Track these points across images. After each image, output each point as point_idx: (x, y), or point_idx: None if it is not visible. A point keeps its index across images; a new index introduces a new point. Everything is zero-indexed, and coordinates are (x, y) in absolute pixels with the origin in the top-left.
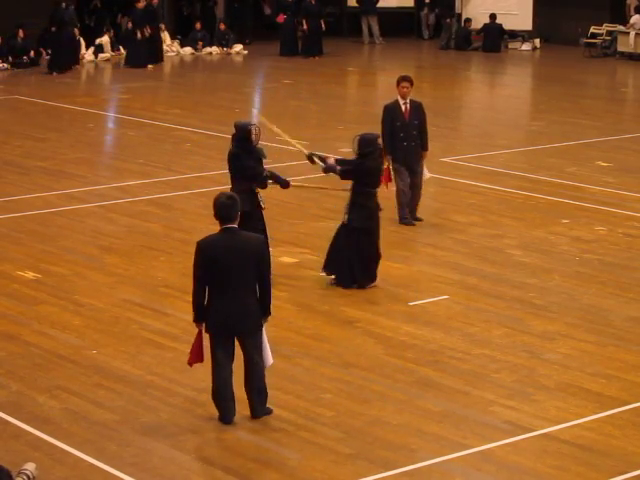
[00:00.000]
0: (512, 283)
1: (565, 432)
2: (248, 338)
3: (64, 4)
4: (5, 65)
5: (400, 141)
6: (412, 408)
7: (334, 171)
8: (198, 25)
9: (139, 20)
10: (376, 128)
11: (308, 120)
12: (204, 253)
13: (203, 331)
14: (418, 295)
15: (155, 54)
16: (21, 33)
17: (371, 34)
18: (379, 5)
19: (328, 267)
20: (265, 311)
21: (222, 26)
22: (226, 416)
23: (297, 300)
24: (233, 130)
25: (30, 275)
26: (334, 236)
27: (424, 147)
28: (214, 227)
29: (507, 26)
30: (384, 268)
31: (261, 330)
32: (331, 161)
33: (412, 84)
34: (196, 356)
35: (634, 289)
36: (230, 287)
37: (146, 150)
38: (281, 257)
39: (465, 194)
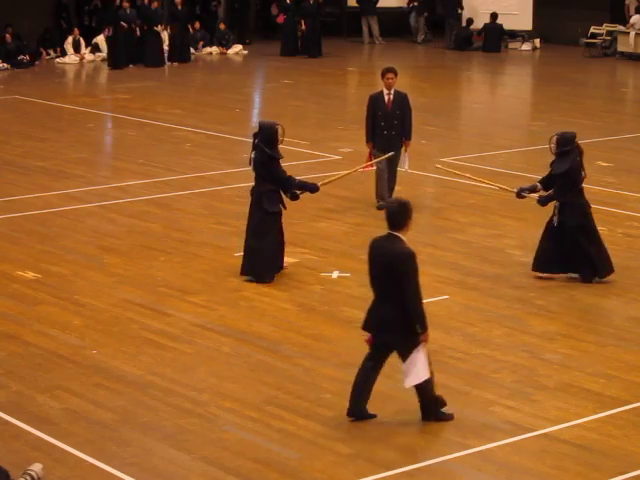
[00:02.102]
0: (512, 283)
1: (565, 432)
2: (396, 347)
3: (118, 1)
4: (5, 65)
5: (381, 130)
6: (412, 408)
7: (551, 199)
8: (197, 25)
9: (152, 19)
10: None
11: (308, 120)
12: (368, 249)
13: None
14: None
15: (183, 53)
16: (8, 36)
17: (371, 34)
18: (380, 5)
19: (541, 267)
20: (414, 326)
21: (222, 26)
22: (350, 411)
23: (297, 300)
24: (257, 129)
25: (30, 275)
26: (543, 236)
27: (407, 136)
28: (214, 227)
29: (507, 26)
30: None
31: (409, 342)
32: (539, 187)
33: (396, 75)
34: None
35: (634, 289)
36: (375, 289)
37: (146, 150)
38: None
39: (465, 194)
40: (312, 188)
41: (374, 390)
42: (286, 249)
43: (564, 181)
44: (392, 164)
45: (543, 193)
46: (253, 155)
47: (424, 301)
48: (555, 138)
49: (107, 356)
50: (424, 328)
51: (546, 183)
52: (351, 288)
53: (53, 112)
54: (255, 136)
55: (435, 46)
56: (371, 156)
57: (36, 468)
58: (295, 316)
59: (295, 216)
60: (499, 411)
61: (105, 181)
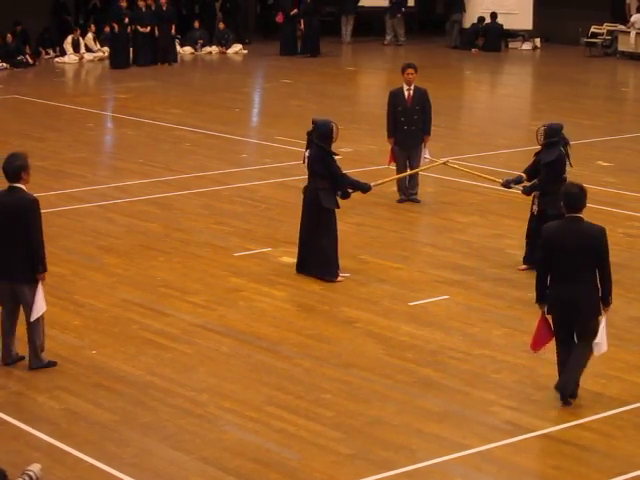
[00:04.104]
0: (512, 283)
1: (565, 432)
2: (581, 324)
3: (123, 3)
4: (5, 65)
5: (402, 125)
6: (412, 408)
7: (535, 188)
8: (197, 24)
9: (142, 19)
10: (375, 128)
11: (308, 120)
12: (547, 238)
13: (545, 312)
14: (418, 295)
15: (168, 54)
16: (9, 35)
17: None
18: (372, 4)
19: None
20: (605, 299)
21: (221, 25)
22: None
23: (297, 300)
24: (311, 127)
25: None
26: (529, 228)
27: (426, 131)
28: (213, 227)
29: (507, 25)
30: (384, 268)
31: (597, 318)
32: (524, 177)
33: (416, 71)
34: (542, 339)
35: (635, 289)
36: (569, 272)
37: (145, 150)
38: (281, 257)
39: (465, 194)
40: (364, 187)
41: (373, 389)
42: (286, 249)
43: (549, 171)
44: (413, 161)
45: (527, 183)
46: (308, 153)
47: (424, 301)
48: (542, 129)
49: (107, 356)
50: (611, 299)
51: (530, 173)
52: (351, 288)
53: (52, 112)
54: (309, 134)
55: (437, 45)
56: (393, 152)
57: (35, 468)
58: (295, 316)
59: (295, 216)
60: (499, 411)
61: (104, 181)
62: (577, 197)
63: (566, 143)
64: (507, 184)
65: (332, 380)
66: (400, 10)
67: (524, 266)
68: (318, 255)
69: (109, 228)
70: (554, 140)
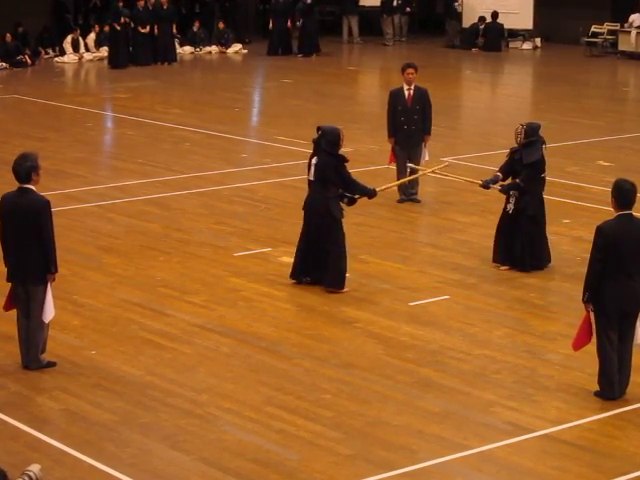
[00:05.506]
0: (512, 283)
1: (566, 433)
2: (633, 318)
3: (121, 3)
4: (4, 64)
5: (401, 124)
6: (412, 409)
7: (515, 187)
8: (197, 24)
9: (141, 18)
10: (375, 127)
11: (308, 120)
12: (606, 237)
13: (591, 312)
14: (418, 295)
15: (169, 52)
16: (8, 35)
17: (350, 33)
18: (369, 4)
19: (502, 259)
20: None
21: (221, 25)
22: (612, 394)
23: (297, 300)
24: (319, 134)
25: None
26: (499, 227)
27: (426, 131)
28: (213, 227)
29: (508, 25)
30: (384, 268)
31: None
32: (500, 177)
33: (416, 70)
34: (586, 337)
35: None
36: (624, 270)
37: (145, 150)
38: (281, 257)
39: (465, 194)
40: (370, 192)
41: (373, 389)
42: (286, 249)
43: (531, 170)
44: (414, 161)
45: (503, 182)
46: (315, 161)
47: (424, 301)
48: (523, 128)
49: (106, 356)
50: None
51: (506, 171)
52: (351, 288)
53: (52, 112)
54: (316, 142)
55: (437, 45)
56: (393, 151)
57: (34, 469)
58: (295, 316)
59: (295, 216)
60: (500, 412)
61: (104, 181)
62: (630, 193)
63: (542, 143)
64: (486, 185)
65: (332, 380)
66: (405, 8)
67: (505, 267)
68: (332, 268)
69: (109, 228)
70: (533, 139)
